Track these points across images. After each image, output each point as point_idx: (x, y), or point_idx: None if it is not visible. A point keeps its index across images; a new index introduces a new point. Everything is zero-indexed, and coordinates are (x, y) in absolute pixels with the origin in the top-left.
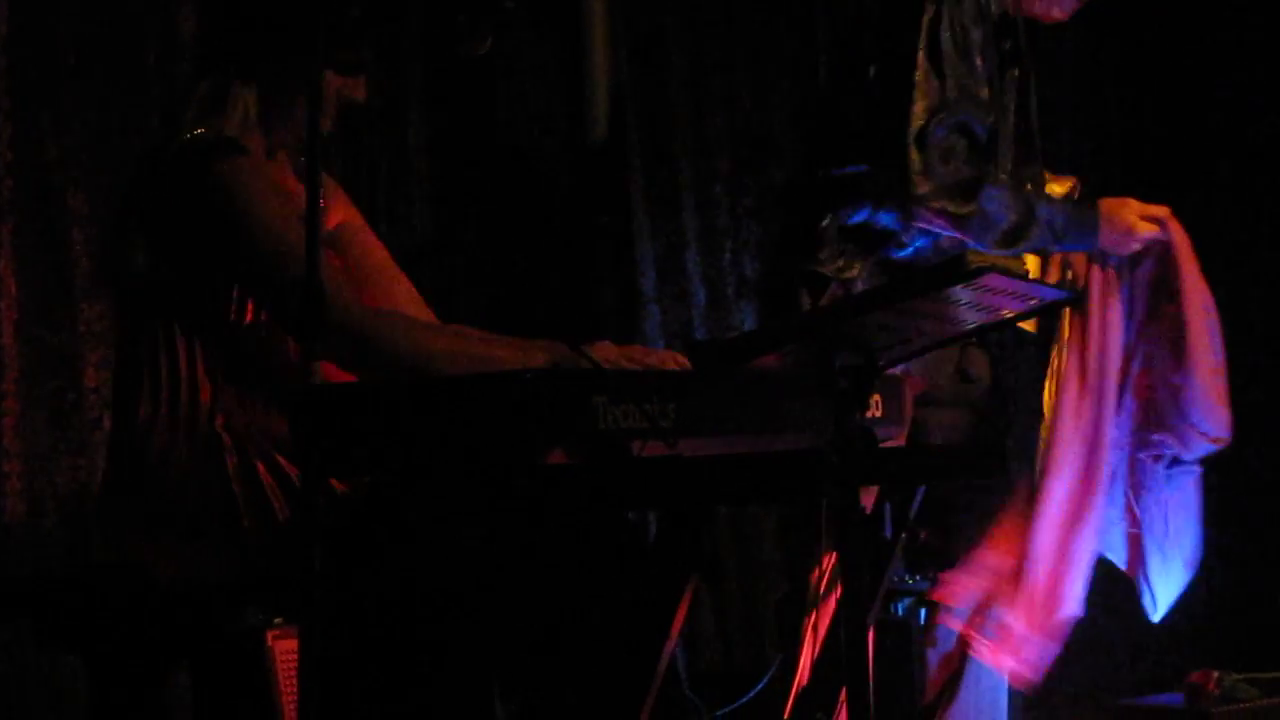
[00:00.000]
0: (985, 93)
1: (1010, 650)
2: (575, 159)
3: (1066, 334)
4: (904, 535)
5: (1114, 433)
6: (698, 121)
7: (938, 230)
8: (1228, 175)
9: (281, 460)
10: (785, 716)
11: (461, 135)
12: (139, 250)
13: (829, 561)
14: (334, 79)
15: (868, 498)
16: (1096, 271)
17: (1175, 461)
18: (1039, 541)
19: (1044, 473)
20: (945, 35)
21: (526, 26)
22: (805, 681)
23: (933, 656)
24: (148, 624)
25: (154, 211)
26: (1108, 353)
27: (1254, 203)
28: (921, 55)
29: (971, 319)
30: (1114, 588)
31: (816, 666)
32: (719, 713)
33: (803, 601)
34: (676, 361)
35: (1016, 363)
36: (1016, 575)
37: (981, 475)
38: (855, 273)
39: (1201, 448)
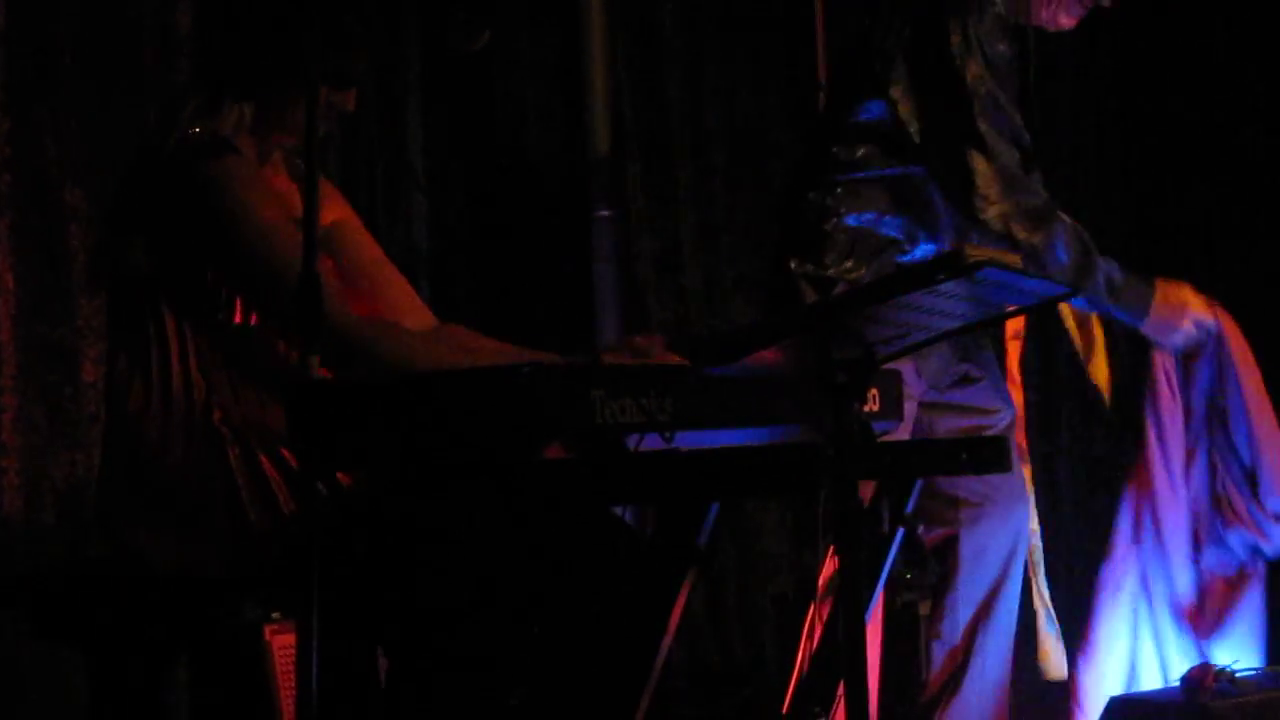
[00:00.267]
0: (1017, 112)
1: None
2: (573, 154)
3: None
4: (903, 529)
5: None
6: (695, 116)
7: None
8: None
9: (285, 454)
10: (783, 711)
11: (460, 132)
12: (133, 246)
13: (827, 555)
14: (325, 91)
15: (865, 492)
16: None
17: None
18: None
19: None
20: (977, 49)
21: (524, 22)
22: (803, 675)
23: (937, 650)
24: (147, 617)
25: (148, 208)
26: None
27: (1252, 200)
28: (963, 67)
29: (970, 313)
30: None
31: (814, 660)
32: (717, 706)
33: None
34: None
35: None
36: None
37: (982, 470)
38: (861, 274)
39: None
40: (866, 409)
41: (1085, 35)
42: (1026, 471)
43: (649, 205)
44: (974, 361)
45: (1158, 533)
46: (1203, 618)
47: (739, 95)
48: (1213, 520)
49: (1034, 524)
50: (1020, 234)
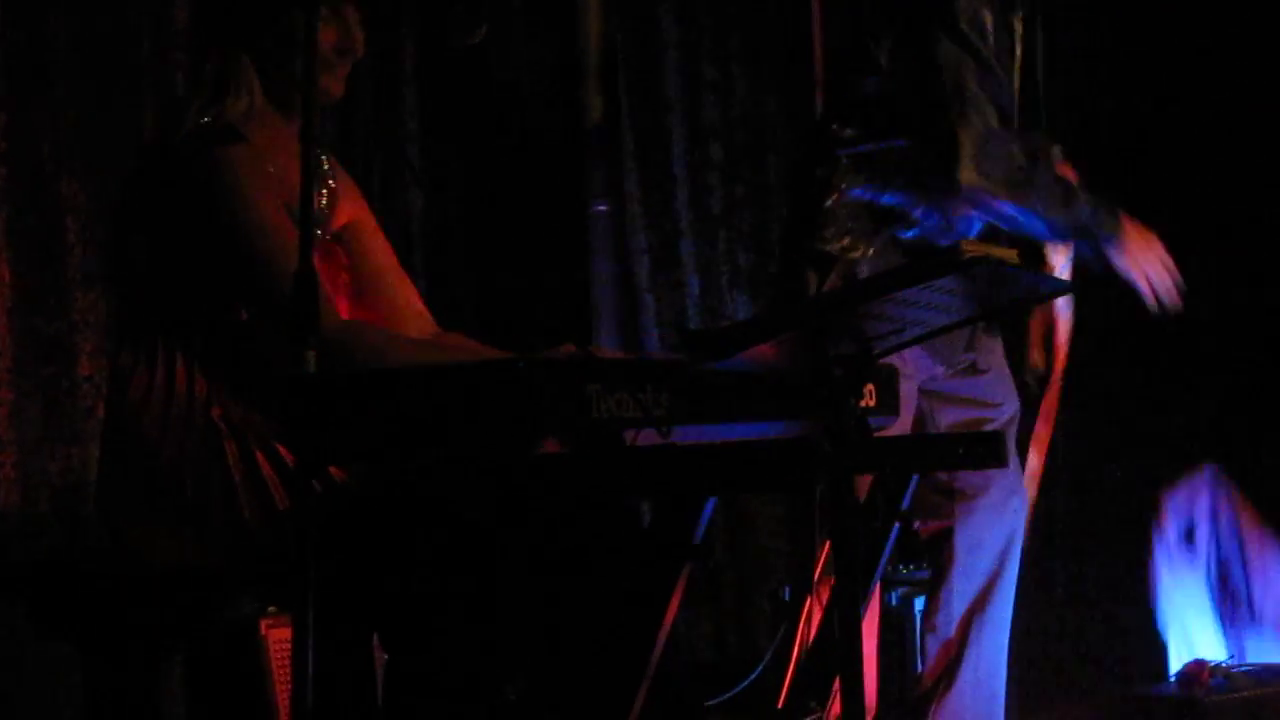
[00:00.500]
0: (999, 68)
1: None
2: (569, 150)
3: None
4: (898, 524)
5: None
6: (692, 111)
7: (982, 217)
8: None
9: (282, 450)
10: (779, 705)
11: (456, 126)
12: (138, 239)
13: (823, 550)
14: (329, 36)
15: (862, 487)
16: None
17: None
18: None
19: None
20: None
21: (521, 17)
22: (799, 669)
23: (931, 643)
24: (142, 611)
25: (152, 201)
26: None
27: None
28: (943, 34)
29: (967, 309)
30: (1110, 579)
31: (810, 655)
32: (712, 701)
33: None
34: None
35: None
36: None
37: (977, 465)
38: (860, 252)
39: None
40: (863, 404)
41: (1085, 37)
42: (1038, 461)
43: (646, 200)
44: (981, 351)
45: None
46: None
47: (736, 91)
48: None
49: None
50: (1005, 195)
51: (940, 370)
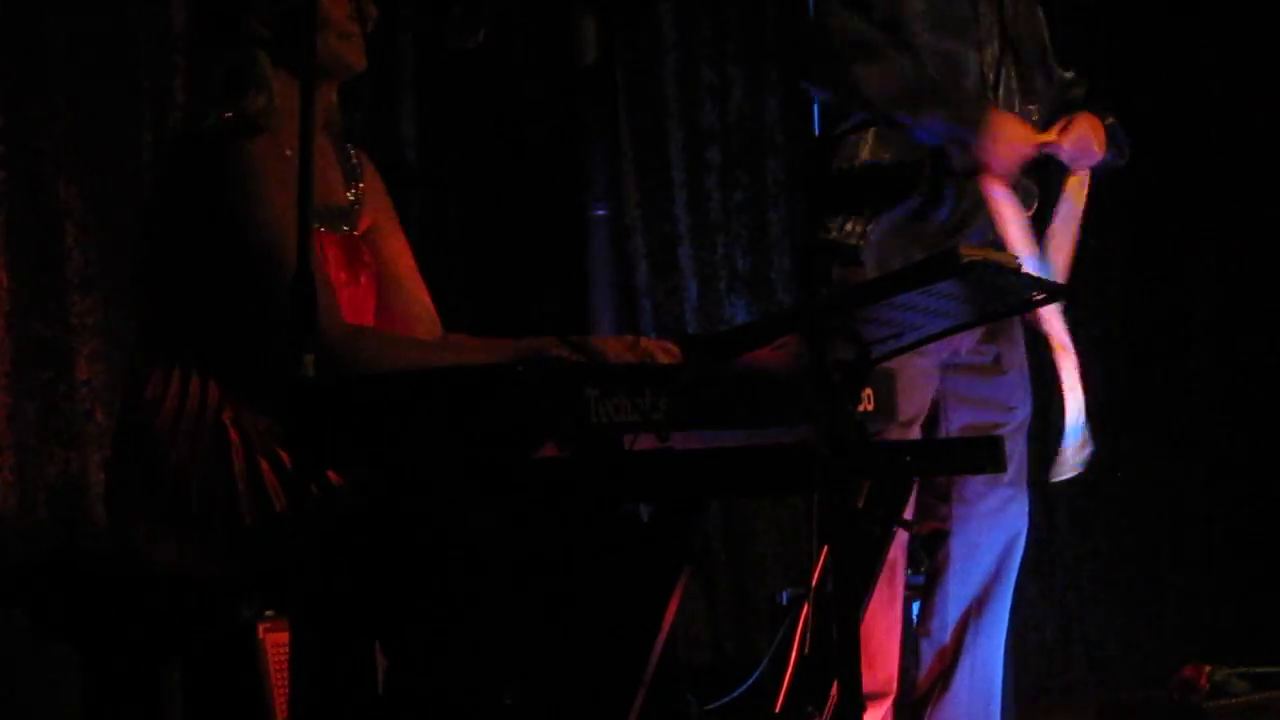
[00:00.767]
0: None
1: None
2: (568, 153)
3: None
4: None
5: None
6: (690, 113)
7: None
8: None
9: (284, 456)
10: (777, 709)
11: (454, 130)
12: (161, 239)
13: (821, 555)
14: (341, 6)
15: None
16: None
17: None
18: None
19: None
20: None
21: (519, 20)
22: (796, 674)
23: (926, 648)
24: (143, 614)
25: (171, 196)
26: None
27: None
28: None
29: (966, 313)
30: (1110, 583)
31: (808, 659)
32: (710, 706)
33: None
34: (667, 351)
35: None
36: None
37: (976, 470)
38: (859, 231)
39: None
40: (861, 408)
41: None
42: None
43: (644, 204)
44: (1004, 344)
45: None
46: None
47: (734, 95)
48: None
49: None
50: (844, 66)
51: (962, 346)
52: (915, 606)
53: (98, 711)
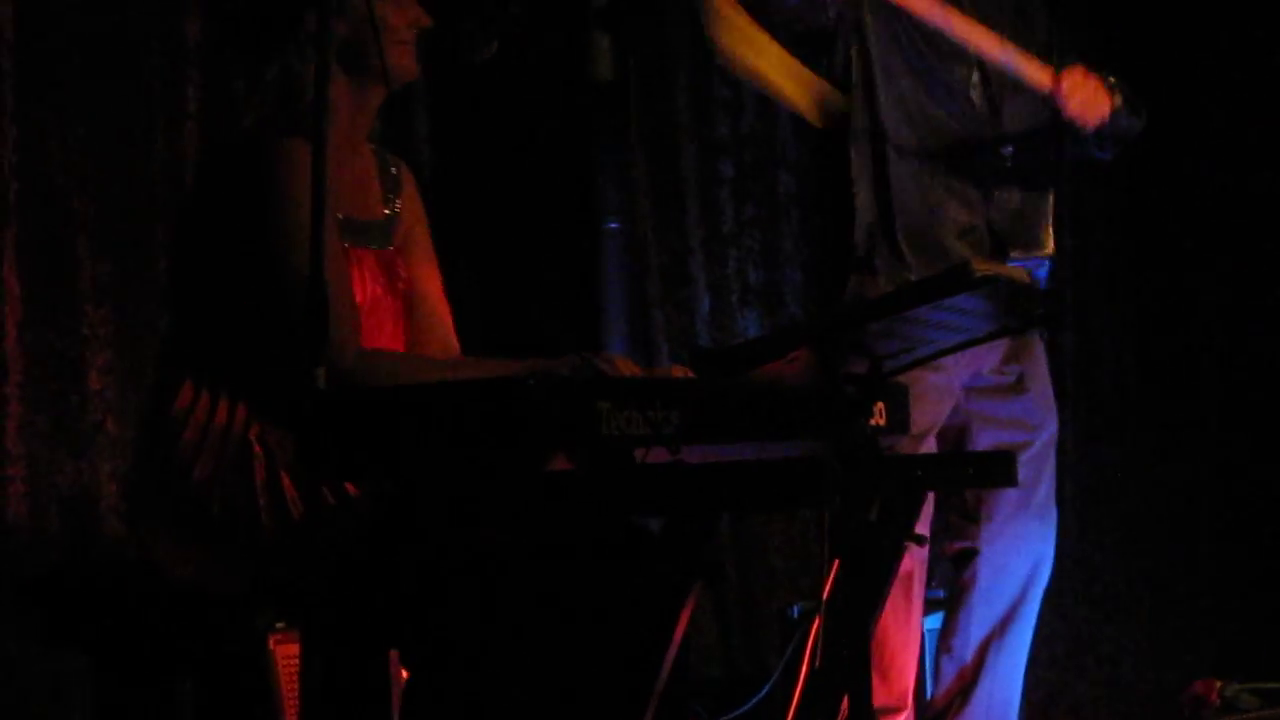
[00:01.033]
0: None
1: None
2: (581, 167)
3: None
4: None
5: None
6: (703, 129)
7: None
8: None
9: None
10: None
11: (467, 143)
12: (195, 248)
13: (833, 569)
14: (399, 12)
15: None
16: None
17: None
18: None
19: None
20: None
21: (531, 34)
22: (807, 688)
23: (946, 665)
24: (155, 626)
25: (203, 199)
26: None
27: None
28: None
29: (978, 328)
30: (1121, 598)
31: (819, 673)
32: (721, 719)
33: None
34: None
35: None
36: None
37: (988, 484)
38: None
39: None
40: (873, 423)
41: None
42: None
43: (657, 218)
44: (1026, 361)
45: None
46: None
47: (746, 109)
48: None
49: None
50: None
51: (984, 367)
52: (926, 622)
53: None
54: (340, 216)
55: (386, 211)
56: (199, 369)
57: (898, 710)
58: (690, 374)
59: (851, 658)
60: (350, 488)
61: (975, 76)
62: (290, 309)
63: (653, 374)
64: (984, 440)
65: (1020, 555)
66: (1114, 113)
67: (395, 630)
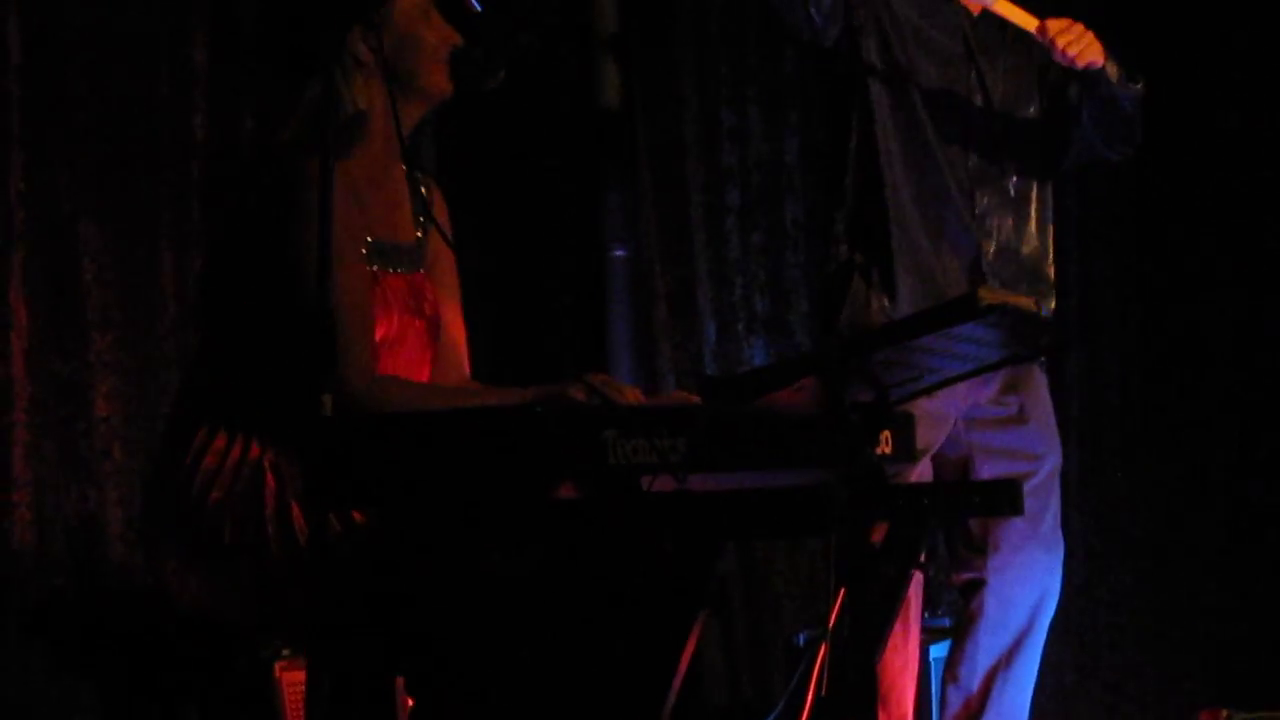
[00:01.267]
0: None
1: None
2: (587, 194)
3: None
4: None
5: None
6: (709, 154)
7: None
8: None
9: None
10: None
11: (473, 170)
12: (221, 272)
13: (838, 596)
14: (435, 31)
15: (878, 534)
16: None
17: None
18: None
19: None
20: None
21: (538, 61)
22: (812, 716)
23: (953, 695)
24: (162, 653)
25: (233, 211)
26: None
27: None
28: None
29: (985, 356)
30: (1127, 626)
31: (824, 701)
32: None
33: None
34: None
35: None
36: None
37: (992, 512)
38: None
39: None
40: (879, 451)
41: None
42: None
43: (663, 245)
44: (1026, 391)
45: None
46: None
47: (753, 136)
48: None
49: None
50: None
51: (982, 398)
52: (933, 650)
53: None
54: (370, 240)
55: (418, 234)
56: (218, 396)
57: None
58: (696, 400)
59: (857, 686)
60: (357, 515)
61: (979, 98)
62: (301, 334)
63: (659, 400)
64: (987, 472)
65: (1027, 586)
66: (1107, 64)
67: (401, 657)
